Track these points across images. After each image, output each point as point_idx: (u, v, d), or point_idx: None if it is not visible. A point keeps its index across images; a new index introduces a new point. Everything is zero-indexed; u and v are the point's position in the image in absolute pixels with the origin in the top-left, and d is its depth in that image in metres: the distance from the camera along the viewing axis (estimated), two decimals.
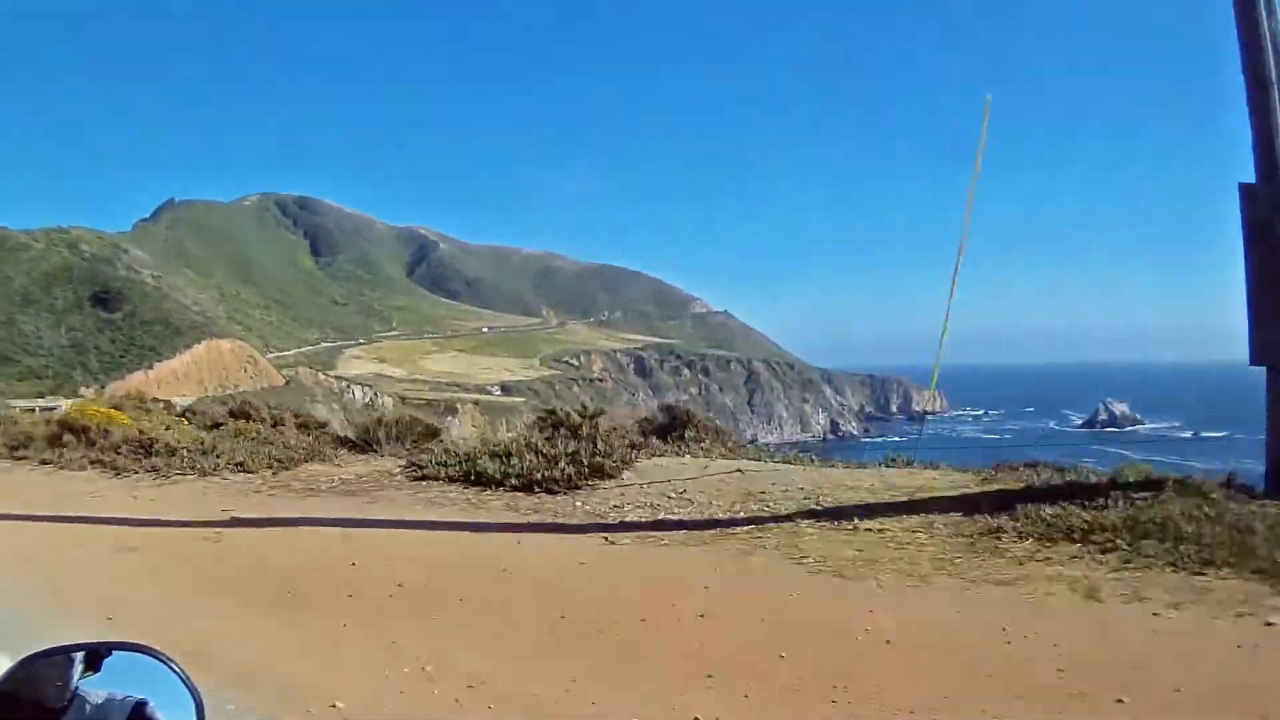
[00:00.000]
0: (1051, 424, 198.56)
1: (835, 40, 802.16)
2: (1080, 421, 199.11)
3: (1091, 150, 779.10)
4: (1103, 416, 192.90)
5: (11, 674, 2.15)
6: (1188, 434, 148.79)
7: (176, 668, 2.22)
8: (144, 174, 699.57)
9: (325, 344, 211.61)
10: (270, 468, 16.92)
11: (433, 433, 18.89)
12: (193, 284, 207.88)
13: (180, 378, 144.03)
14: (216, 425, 22.42)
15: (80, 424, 21.06)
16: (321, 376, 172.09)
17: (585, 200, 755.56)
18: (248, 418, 22.43)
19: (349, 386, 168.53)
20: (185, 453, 18.04)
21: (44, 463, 19.67)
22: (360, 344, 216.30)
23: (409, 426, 18.54)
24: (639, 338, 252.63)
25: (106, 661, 2.23)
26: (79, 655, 2.21)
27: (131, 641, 2.32)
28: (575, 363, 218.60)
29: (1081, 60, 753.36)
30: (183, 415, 25.47)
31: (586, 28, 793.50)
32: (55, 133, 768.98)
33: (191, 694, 2.20)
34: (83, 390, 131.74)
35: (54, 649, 2.21)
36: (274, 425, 21.53)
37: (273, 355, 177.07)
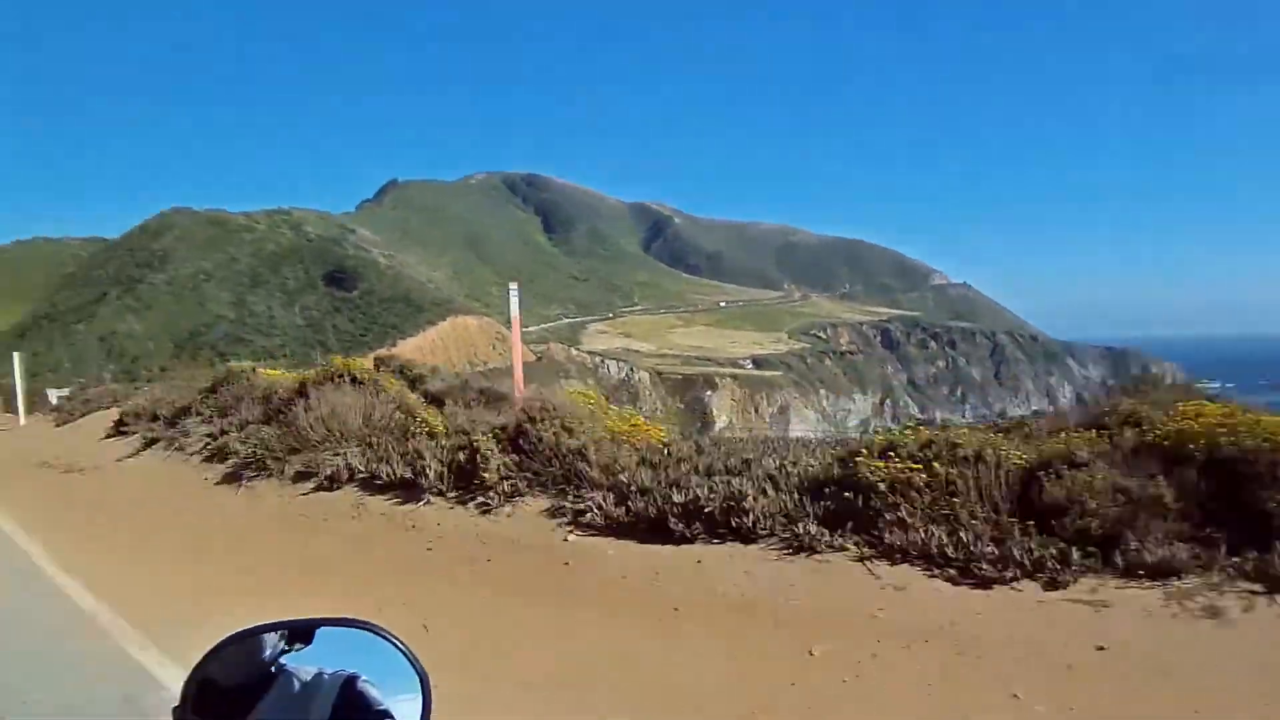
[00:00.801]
0: None
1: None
2: None
3: None
4: None
5: (212, 653, 2.07)
6: None
7: (400, 643, 2.11)
8: (363, 157, 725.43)
9: (566, 319, 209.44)
10: None
11: None
12: (425, 262, 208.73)
13: (424, 354, 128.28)
14: None
15: None
16: (574, 352, 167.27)
17: (823, 173, 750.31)
18: None
19: (602, 361, 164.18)
20: None
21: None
22: (605, 319, 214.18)
23: None
24: (882, 310, 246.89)
25: (321, 635, 2.13)
26: (283, 632, 2.14)
27: (345, 616, 2.21)
28: (823, 335, 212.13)
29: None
30: None
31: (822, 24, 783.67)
32: (273, 118, 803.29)
33: (416, 670, 2.08)
34: None
35: (257, 627, 2.13)
36: None
37: None
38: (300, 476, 14.77)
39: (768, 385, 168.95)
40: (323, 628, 2.12)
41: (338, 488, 13.83)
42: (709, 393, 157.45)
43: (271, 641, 2.07)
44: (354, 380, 16.88)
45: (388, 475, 13.25)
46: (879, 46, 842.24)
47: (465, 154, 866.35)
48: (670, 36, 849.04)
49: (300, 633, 2.09)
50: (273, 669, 2.04)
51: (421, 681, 2.05)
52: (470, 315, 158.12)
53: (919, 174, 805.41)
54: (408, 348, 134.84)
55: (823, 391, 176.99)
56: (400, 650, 2.06)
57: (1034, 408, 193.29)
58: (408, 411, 15.91)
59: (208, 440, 18.48)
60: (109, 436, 23.52)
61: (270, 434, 16.13)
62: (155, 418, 22.06)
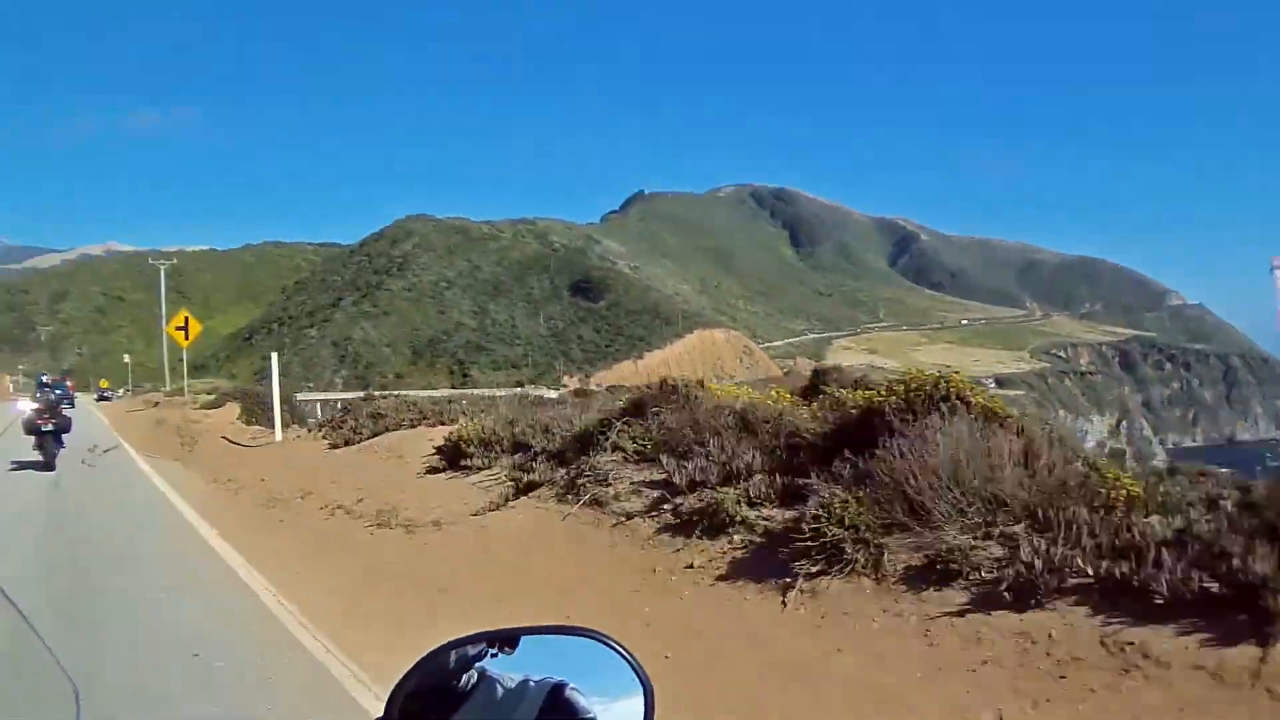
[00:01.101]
0: None
1: None
2: None
3: None
4: None
5: (419, 666, 2.08)
6: None
7: (622, 649, 2.07)
8: (609, 168, 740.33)
9: (811, 335, 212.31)
10: None
11: None
12: (672, 275, 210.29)
13: (671, 367, 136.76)
14: None
15: None
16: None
17: (1065, 191, 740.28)
18: None
19: None
20: None
21: None
22: (850, 335, 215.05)
23: None
24: (1120, 330, 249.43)
25: (527, 643, 2.10)
26: (487, 640, 2.11)
27: (553, 624, 2.22)
28: (1064, 355, 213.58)
29: None
30: None
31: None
32: (519, 130, 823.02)
33: (640, 679, 2.04)
34: (565, 380, 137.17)
35: (461, 639, 2.12)
36: None
37: (762, 345, 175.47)
38: (916, 574, 7.60)
39: (1010, 405, 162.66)
40: (542, 636, 2.10)
41: (1032, 604, 6.67)
42: None
43: (477, 652, 2.05)
44: (964, 405, 9.58)
45: (1168, 588, 6.18)
46: (1119, 65, 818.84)
47: (713, 167, 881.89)
48: (912, 60, 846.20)
49: (504, 640, 2.06)
50: (474, 676, 2.02)
51: (645, 692, 2.00)
52: (717, 329, 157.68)
53: (1154, 191, 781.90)
54: (654, 360, 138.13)
55: (1061, 412, 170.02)
56: (624, 658, 2.02)
57: (1263, 432, 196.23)
58: (1090, 465, 8.82)
59: (659, 494, 10.88)
60: (433, 471, 16.02)
61: (840, 498, 8.32)
62: (521, 448, 14.66)
